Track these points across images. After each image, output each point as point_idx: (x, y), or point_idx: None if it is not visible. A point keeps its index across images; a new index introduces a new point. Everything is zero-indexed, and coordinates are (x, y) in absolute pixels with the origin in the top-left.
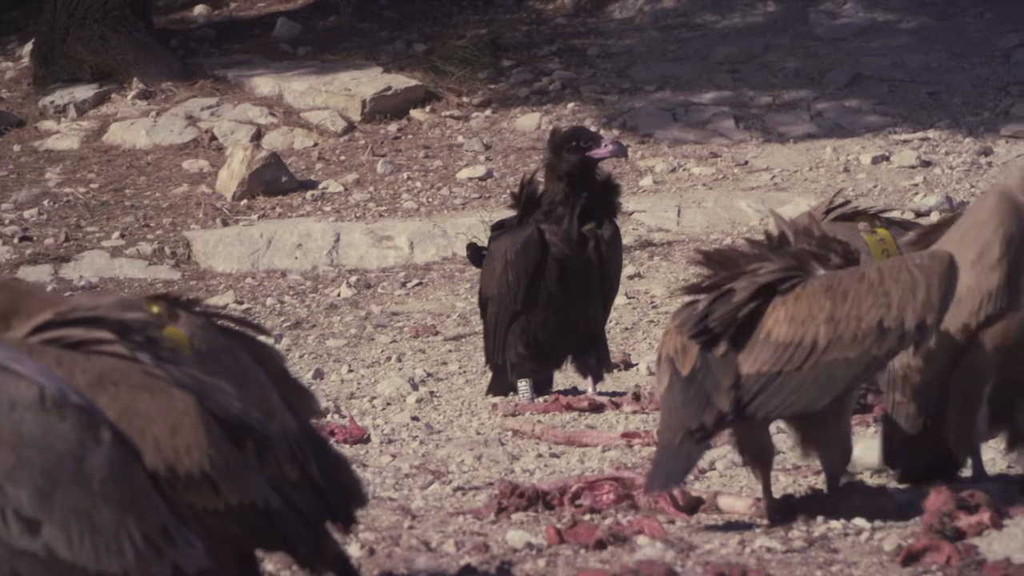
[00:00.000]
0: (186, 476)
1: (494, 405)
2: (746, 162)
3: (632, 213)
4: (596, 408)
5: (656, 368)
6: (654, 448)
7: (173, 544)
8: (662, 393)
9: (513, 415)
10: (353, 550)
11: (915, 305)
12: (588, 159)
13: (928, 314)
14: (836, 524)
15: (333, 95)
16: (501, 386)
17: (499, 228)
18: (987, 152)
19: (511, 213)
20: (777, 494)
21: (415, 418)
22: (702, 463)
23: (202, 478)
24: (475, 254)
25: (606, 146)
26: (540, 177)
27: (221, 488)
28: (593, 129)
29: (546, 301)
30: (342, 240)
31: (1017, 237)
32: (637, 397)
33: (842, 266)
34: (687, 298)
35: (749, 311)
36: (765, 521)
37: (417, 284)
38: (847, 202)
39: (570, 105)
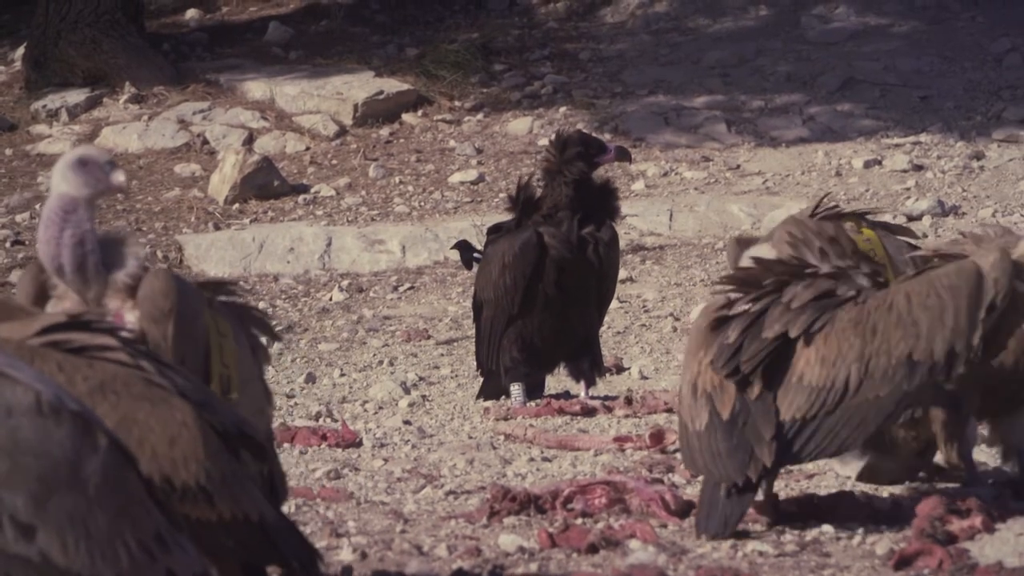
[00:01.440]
0: (182, 487)
1: (486, 409)
2: (738, 166)
3: (624, 217)
4: (588, 412)
5: (688, 396)
6: (646, 452)
7: (167, 550)
8: (699, 430)
9: (505, 419)
10: (345, 554)
11: (944, 332)
12: (595, 164)
13: (957, 340)
14: (828, 528)
15: (325, 99)
16: (492, 390)
17: (495, 231)
18: (979, 156)
19: (503, 217)
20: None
21: (407, 422)
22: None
23: (198, 490)
24: (465, 250)
25: (610, 151)
26: (536, 180)
27: (216, 500)
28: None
29: (543, 305)
30: (334, 244)
31: (979, 317)
32: (629, 401)
33: (870, 287)
34: (718, 314)
35: (778, 348)
36: (758, 525)
37: (409, 288)
38: (835, 206)
39: (562, 109)
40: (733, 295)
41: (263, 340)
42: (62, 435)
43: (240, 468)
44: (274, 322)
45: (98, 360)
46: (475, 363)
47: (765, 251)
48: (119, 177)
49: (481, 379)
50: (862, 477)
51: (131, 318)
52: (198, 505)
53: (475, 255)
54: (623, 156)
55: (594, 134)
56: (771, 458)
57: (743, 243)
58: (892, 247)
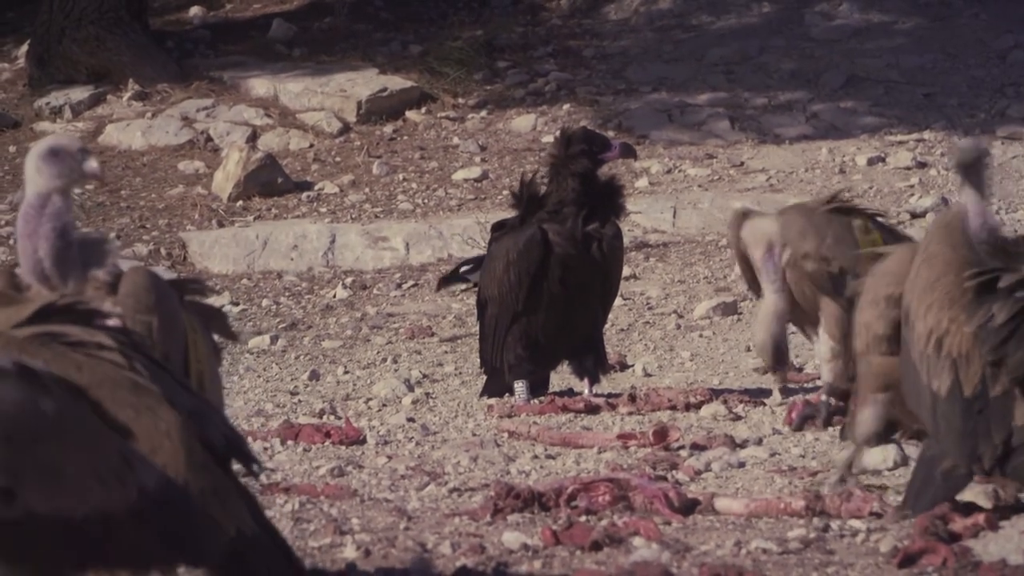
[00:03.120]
0: None
1: (490, 406)
2: (742, 163)
3: (628, 214)
4: (592, 409)
5: (927, 347)
6: (650, 449)
7: (132, 467)
8: (939, 393)
9: (509, 416)
10: (349, 551)
11: None
12: (600, 161)
13: None
14: (833, 525)
15: (329, 96)
16: (496, 388)
17: (500, 228)
18: None
19: (507, 214)
20: (772, 495)
21: (411, 419)
22: (698, 464)
23: None
24: (453, 279)
25: (615, 148)
26: (540, 177)
27: None
28: None
29: (547, 302)
30: (338, 241)
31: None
32: (633, 398)
33: None
34: (980, 279)
35: None
36: (760, 522)
37: (413, 285)
38: (850, 198)
39: (565, 106)
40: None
41: (220, 340)
42: (11, 390)
43: (224, 480)
44: (277, 319)
45: (91, 359)
46: (479, 360)
47: (767, 224)
48: (93, 164)
49: (484, 376)
50: None
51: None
52: None
53: (463, 275)
54: (628, 153)
55: (598, 131)
56: (990, 462)
57: (745, 215)
58: None
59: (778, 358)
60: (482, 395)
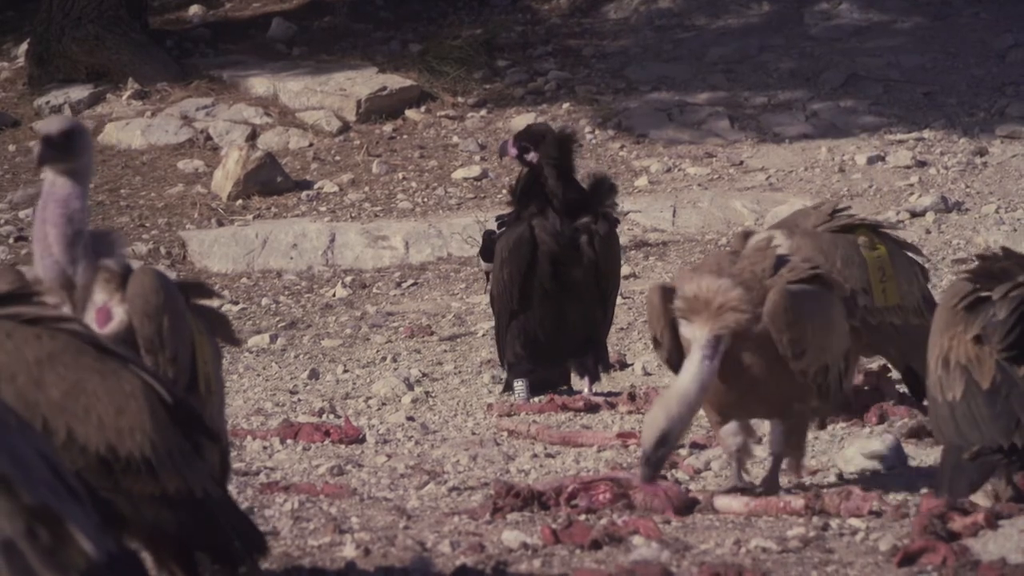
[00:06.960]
0: (126, 458)
1: (489, 405)
2: (741, 162)
3: (627, 213)
4: (591, 408)
5: (939, 370)
6: None
7: None
8: (954, 400)
9: (508, 415)
10: (348, 550)
11: None
12: (523, 160)
13: None
14: (832, 524)
15: (328, 95)
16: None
17: (502, 224)
18: (982, 152)
19: (507, 210)
20: (772, 494)
21: (410, 418)
22: (698, 464)
23: (141, 461)
24: (487, 244)
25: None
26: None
27: (159, 473)
28: (587, 130)
29: (540, 298)
30: (337, 240)
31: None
32: (632, 397)
33: None
34: (973, 296)
35: None
36: (760, 521)
37: (412, 284)
38: (847, 208)
39: (565, 105)
40: (978, 283)
41: (222, 344)
42: None
43: (186, 444)
44: (276, 318)
45: (49, 330)
46: (479, 359)
47: (780, 238)
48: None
49: (488, 374)
50: None
51: (119, 311)
52: (141, 477)
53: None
54: (502, 152)
55: (597, 130)
56: (1022, 439)
57: (748, 236)
58: (901, 264)
59: None
60: (505, 390)
